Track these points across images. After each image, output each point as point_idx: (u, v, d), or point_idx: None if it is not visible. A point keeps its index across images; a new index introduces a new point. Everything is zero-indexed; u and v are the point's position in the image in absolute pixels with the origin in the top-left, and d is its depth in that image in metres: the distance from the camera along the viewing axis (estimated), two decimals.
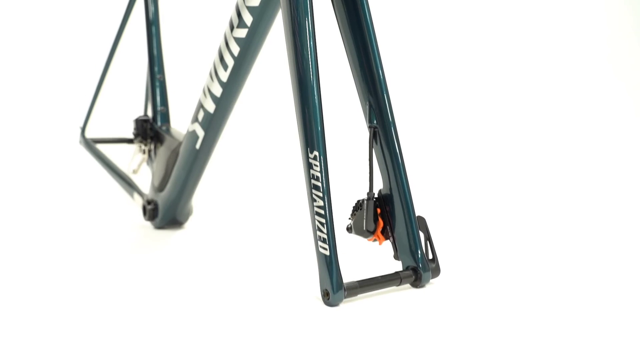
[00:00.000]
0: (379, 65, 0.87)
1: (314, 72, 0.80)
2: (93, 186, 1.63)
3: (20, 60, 2.04)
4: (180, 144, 1.24)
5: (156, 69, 1.38)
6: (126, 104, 1.74)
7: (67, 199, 1.58)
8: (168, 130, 1.36)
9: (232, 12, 1.03)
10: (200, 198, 1.39)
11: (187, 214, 1.35)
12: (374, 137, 0.88)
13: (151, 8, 1.39)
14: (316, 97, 0.80)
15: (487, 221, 1.29)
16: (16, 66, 2.03)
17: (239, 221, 1.39)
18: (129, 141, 1.50)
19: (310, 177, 0.80)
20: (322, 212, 0.79)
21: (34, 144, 1.89)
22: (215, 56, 1.09)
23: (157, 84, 1.37)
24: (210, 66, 1.10)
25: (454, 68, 2.13)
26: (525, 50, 2.19)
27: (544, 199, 1.47)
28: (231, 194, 1.62)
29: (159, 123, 1.37)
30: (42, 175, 1.74)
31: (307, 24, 0.82)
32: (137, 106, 1.59)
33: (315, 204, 0.80)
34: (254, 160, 1.85)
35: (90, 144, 1.52)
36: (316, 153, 0.79)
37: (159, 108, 1.37)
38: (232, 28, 1.03)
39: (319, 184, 0.79)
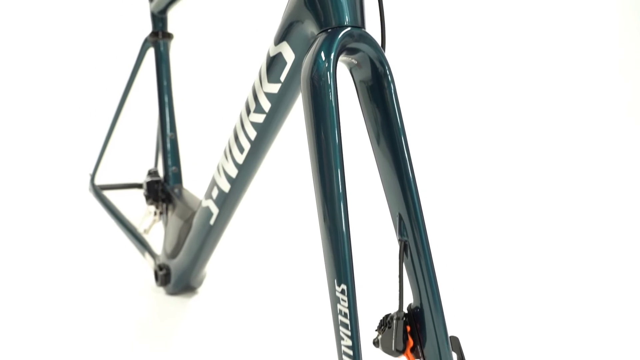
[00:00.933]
0: (410, 174, 0.79)
1: (341, 196, 0.72)
2: (104, 239, 1.57)
3: (31, 104, 1.98)
4: (193, 213, 1.18)
5: (168, 126, 1.31)
6: (137, 148, 1.67)
7: (76, 253, 1.52)
8: (180, 192, 1.29)
9: (249, 94, 0.95)
10: (214, 261, 1.33)
11: (200, 280, 1.29)
12: (404, 250, 0.80)
13: (163, 62, 1.32)
14: (344, 226, 0.72)
15: (523, 340, 1.18)
16: (26, 110, 1.97)
17: (254, 289, 1.33)
18: (139, 186, 1.44)
19: (337, 312, 0.73)
20: (351, 352, 0.72)
21: (43, 190, 1.84)
22: (231, 136, 1.01)
23: (169, 142, 1.30)
24: (225, 144, 1.03)
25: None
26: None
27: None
28: (245, 257, 1.54)
29: (170, 184, 1.30)
30: (50, 225, 1.68)
31: (333, 134, 0.74)
32: (148, 151, 1.53)
33: (342, 342, 0.73)
34: (269, 221, 1.77)
35: (100, 194, 1.46)
36: (344, 287, 0.72)
37: (171, 169, 1.30)
38: (248, 111, 0.95)
39: (347, 321, 0.72)
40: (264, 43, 0.93)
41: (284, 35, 0.85)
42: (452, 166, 2.07)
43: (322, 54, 0.74)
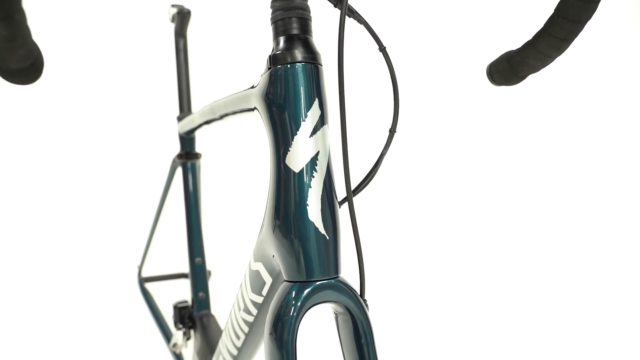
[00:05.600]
0: None
1: None
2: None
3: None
4: None
5: (195, 251, 1.27)
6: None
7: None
8: (208, 320, 1.26)
9: (238, 292, 0.89)
10: None
11: None
12: None
13: (190, 181, 1.27)
14: None
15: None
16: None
17: None
18: (185, 276, 1.44)
19: None
20: None
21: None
22: (228, 320, 0.96)
23: (196, 268, 1.27)
24: (227, 320, 0.98)
25: None
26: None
27: None
28: None
29: (197, 310, 1.27)
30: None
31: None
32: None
33: None
34: None
35: (147, 292, 1.47)
36: None
37: (198, 294, 1.27)
38: (239, 308, 0.89)
39: None
40: None
41: (260, 256, 0.77)
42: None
43: (285, 312, 0.67)
